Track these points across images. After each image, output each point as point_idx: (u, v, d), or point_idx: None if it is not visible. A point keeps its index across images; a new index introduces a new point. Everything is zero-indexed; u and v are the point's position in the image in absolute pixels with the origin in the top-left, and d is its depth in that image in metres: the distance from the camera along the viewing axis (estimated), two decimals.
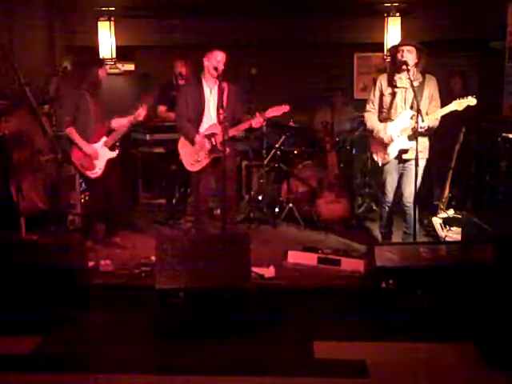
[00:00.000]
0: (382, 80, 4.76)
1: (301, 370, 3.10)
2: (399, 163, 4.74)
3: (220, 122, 4.51)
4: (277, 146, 6.19)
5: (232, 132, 4.68)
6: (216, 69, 4.58)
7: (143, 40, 7.23)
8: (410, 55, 4.51)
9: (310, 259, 4.48)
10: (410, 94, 4.49)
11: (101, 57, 6.70)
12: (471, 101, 4.36)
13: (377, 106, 4.80)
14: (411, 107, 4.58)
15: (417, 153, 4.29)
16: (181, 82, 5.88)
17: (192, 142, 4.72)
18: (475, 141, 5.79)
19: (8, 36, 5.89)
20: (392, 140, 4.64)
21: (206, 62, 4.69)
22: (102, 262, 4.43)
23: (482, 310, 3.35)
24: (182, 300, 3.52)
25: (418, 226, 4.72)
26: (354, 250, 4.80)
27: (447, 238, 4.91)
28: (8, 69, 5.14)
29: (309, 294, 4.06)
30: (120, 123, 4.97)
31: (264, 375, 3.05)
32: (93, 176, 4.89)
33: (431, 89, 4.61)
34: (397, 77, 4.64)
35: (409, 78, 4.43)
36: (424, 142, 4.63)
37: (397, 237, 5.01)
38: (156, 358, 3.31)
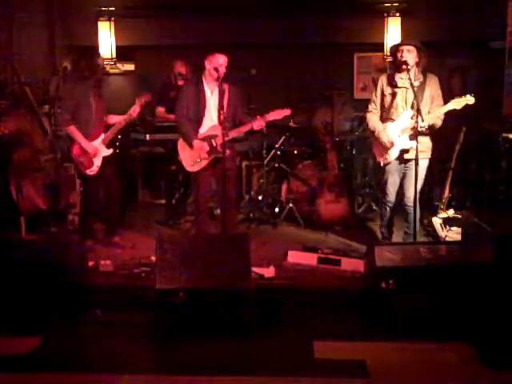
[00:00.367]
0: (383, 80, 4.76)
1: (301, 370, 3.10)
2: (401, 163, 4.74)
3: (220, 124, 4.51)
4: (277, 146, 6.18)
5: (233, 134, 4.67)
6: (216, 70, 4.57)
7: (143, 40, 7.23)
8: (410, 55, 4.51)
9: (310, 259, 4.48)
10: (411, 94, 4.48)
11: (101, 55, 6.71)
12: (469, 99, 4.35)
13: (378, 106, 4.80)
14: (412, 107, 4.57)
15: (417, 152, 4.29)
16: (180, 83, 5.88)
17: (190, 146, 4.72)
18: (475, 141, 5.79)
19: (8, 36, 5.89)
20: (393, 141, 4.64)
21: (207, 65, 4.68)
22: (102, 262, 4.42)
23: (481, 310, 3.35)
24: (181, 300, 3.52)
25: (419, 225, 4.74)
26: (353, 250, 4.79)
27: (447, 238, 4.91)
28: (8, 69, 5.15)
29: (309, 294, 4.06)
30: (116, 120, 4.97)
31: (264, 375, 3.05)
32: (90, 173, 4.89)
33: (433, 88, 4.61)
34: (397, 77, 4.64)
35: (409, 78, 4.43)
36: (426, 142, 4.62)
37: (397, 237, 5.01)
38: (156, 358, 3.31)
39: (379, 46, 6.91)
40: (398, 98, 4.64)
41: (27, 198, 4.97)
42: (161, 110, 6.13)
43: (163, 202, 6.37)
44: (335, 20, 6.94)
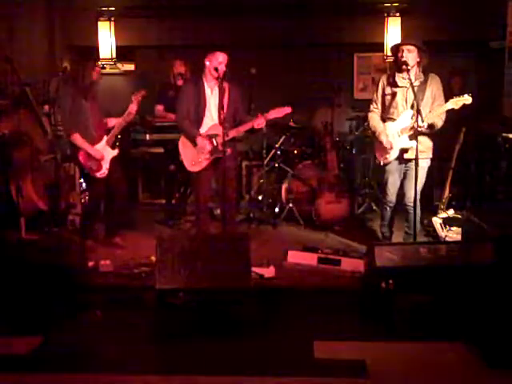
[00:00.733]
0: (384, 80, 4.76)
1: (301, 370, 3.10)
2: (401, 163, 4.75)
3: (221, 123, 4.51)
4: (277, 146, 6.19)
5: (233, 133, 4.67)
6: (216, 69, 4.57)
7: (143, 40, 7.23)
8: (410, 55, 4.52)
9: (310, 259, 4.48)
10: (411, 94, 4.48)
11: (96, 57, 6.71)
12: (467, 99, 4.35)
13: (380, 106, 4.80)
14: (412, 107, 4.57)
15: (417, 152, 4.29)
16: (180, 83, 5.88)
17: (194, 142, 4.71)
18: (475, 141, 5.79)
19: (8, 36, 5.89)
20: (393, 141, 4.64)
21: (207, 63, 4.68)
22: (102, 262, 4.42)
23: (481, 310, 3.35)
24: (181, 300, 3.52)
25: (419, 226, 4.74)
26: (353, 250, 4.79)
27: (447, 238, 4.91)
28: (8, 69, 5.15)
29: (309, 294, 4.06)
30: (114, 122, 4.98)
31: (264, 375, 3.05)
32: (101, 176, 4.89)
33: (434, 88, 4.61)
34: (398, 76, 4.65)
35: (409, 78, 4.43)
36: (426, 142, 4.63)
37: (397, 237, 5.01)
38: (156, 358, 3.31)
39: (379, 46, 6.91)
40: (399, 98, 4.65)
41: (27, 198, 4.97)
42: (159, 108, 6.13)
43: (163, 201, 6.37)
44: (335, 20, 6.94)
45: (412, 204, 4.50)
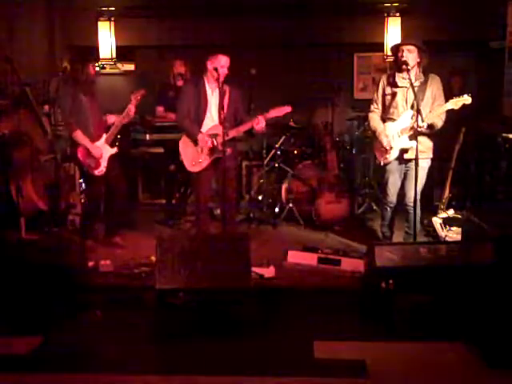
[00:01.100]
0: (384, 80, 4.77)
1: (301, 370, 3.10)
2: (401, 163, 4.75)
3: (221, 123, 4.51)
4: (277, 146, 6.19)
5: (233, 133, 4.68)
6: (218, 71, 4.57)
7: (143, 40, 7.23)
8: (410, 55, 4.52)
9: (310, 259, 4.48)
10: (412, 94, 4.48)
11: (96, 57, 6.71)
12: (466, 99, 4.36)
13: (380, 106, 4.80)
14: (412, 107, 4.57)
15: (417, 152, 4.29)
16: (180, 83, 5.88)
17: (195, 141, 4.71)
18: (475, 141, 5.79)
19: (8, 36, 5.89)
20: (393, 141, 4.64)
21: (209, 65, 4.67)
22: (102, 262, 4.43)
23: (481, 310, 3.35)
24: (181, 300, 3.52)
25: (419, 226, 4.73)
26: (353, 250, 4.79)
27: (447, 238, 4.91)
28: (8, 69, 5.15)
29: (309, 294, 4.06)
30: (114, 120, 4.99)
31: (264, 375, 3.05)
32: (99, 174, 4.90)
33: (434, 88, 4.61)
34: (398, 76, 4.65)
35: (409, 78, 4.43)
36: (426, 142, 4.63)
37: (398, 237, 5.01)
38: (156, 358, 3.31)
39: (379, 46, 6.90)
40: (399, 98, 4.65)
41: (27, 198, 4.97)
42: (160, 109, 6.13)
43: (163, 201, 6.37)
44: (335, 20, 6.94)
45: (412, 204, 4.50)
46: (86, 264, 4.23)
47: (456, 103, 4.38)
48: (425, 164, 4.60)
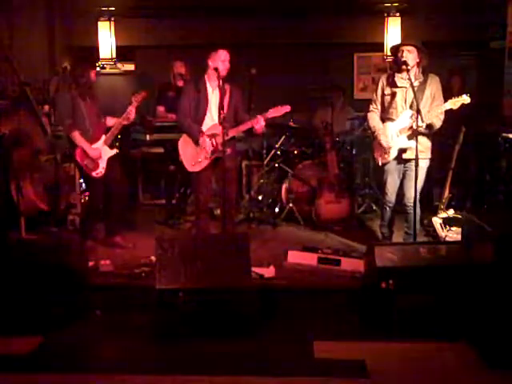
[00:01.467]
0: (384, 80, 4.76)
1: (301, 370, 3.10)
2: (400, 163, 4.74)
3: (221, 123, 4.52)
4: (277, 145, 6.19)
5: (233, 132, 4.68)
6: (216, 69, 4.57)
7: (143, 40, 7.24)
8: (410, 55, 4.51)
9: (310, 259, 4.48)
10: (411, 94, 4.48)
11: (96, 57, 6.72)
12: (465, 99, 4.36)
13: (379, 106, 4.80)
14: (411, 107, 4.58)
15: (416, 152, 4.29)
16: (180, 83, 5.88)
17: (196, 141, 4.71)
18: (475, 141, 5.79)
19: (8, 36, 5.89)
20: (392, 141, 4.65)
21: (210, 62, 4.68)
22: (102, 262, 4.42)
23: (481, 310, 3.35)
24: (181, 300, 3.52)
25: (419, 226, 4.73)
26: (353, 250, 4.79)
27: (447, 238, 4.91)
28: (8, 69, 5.15)
29: (309, 294, 4.06)
30: (113, 122, 4.98)
31: (264, 375, 3.05)
32: (97, 176, 4.89)
33: (433, 88, 4.60)
34: (397, 77, 4.65)
35: (409, 78, 4.43)
36: (426, 142, 4.62)
37: (398, 237, 5.01)
38: (156, 358, 3.31)
39: (379, 46, 6.91)
40: (398, 98, 4.65)
41: (27, 198, 4.97)
42: (161, 109, 6.14)
43: (163, 202, 6.37)
44: (335, 20, 6.95)
45: (412, 204, 4.50)
46: (86, 264, 4.23)
47: (454, 103, 4.38)
48: (423, 164, 4.59)
